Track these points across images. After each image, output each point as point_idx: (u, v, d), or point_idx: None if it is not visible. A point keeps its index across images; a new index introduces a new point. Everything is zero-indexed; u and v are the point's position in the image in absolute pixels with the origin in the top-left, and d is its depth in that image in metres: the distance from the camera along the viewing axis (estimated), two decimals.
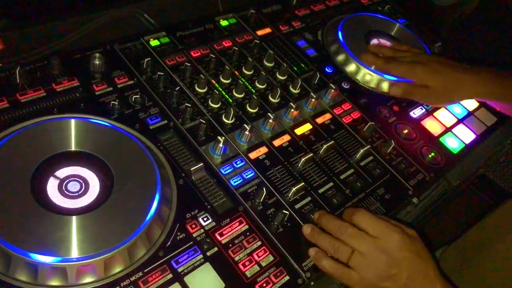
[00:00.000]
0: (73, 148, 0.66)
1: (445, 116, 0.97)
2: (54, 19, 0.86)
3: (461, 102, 1.00)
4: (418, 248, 0.65)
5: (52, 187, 0.61)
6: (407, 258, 0.63)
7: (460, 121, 0.97)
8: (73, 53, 0.79)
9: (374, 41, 1.03)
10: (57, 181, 0.62)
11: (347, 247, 0.65)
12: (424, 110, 0.96)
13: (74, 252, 0.56)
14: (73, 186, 0.62)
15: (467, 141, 0.94)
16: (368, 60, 0.96)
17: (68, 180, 0.63)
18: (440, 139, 0.92)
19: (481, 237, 0.85)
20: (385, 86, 0.96)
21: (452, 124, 0.96)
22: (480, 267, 0.79)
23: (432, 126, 0.94)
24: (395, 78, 0.95)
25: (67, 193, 0.62)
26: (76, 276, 0.56)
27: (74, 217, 0.59)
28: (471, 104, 1.01)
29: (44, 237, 0.56)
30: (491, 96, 0.94)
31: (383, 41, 1.04)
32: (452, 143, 0.92)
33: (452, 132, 0.94)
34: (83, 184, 0.63)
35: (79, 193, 0.62)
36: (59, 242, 0.56)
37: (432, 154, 0.88)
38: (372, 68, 0.96)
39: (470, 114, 1.00)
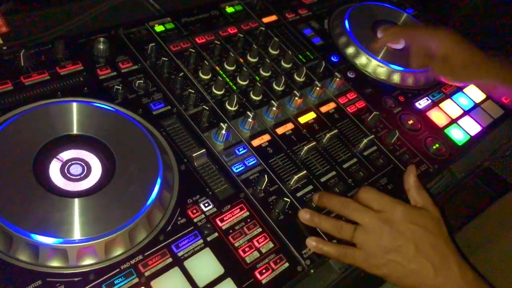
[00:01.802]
0: (75, 132, 0.66)
1: (451, 107, 0.96)
2: (59, 3, 0.86)
3: (468, 93, 0.99)
4: (426, 221, 0.64)
5: (54, 170, 0.62)
6: (411, 229, 0.62)
7: (466, 112, 0.96)
8: (78, 37, 0.79)
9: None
10: (60, 164, 0.62)
11: (350, 225, 0.64)
12: (429, 101, 0.95)
13: (76, 234, 0.56)
14: (75, 169, 0.63)
15: (473, 133, 0.93)
16: (379, 41, 0.95)
17: (70, 163, 0.63)
18: (445, 130, 0.91)
19: (485, 228, 0.85)
20: (396, 78, 0.95)
21: (458, 115, 0.95)
22: (486, 258, 0.79)
23: (437, 117, 0.93)
24: (400, 68, 0.94)
25: (69, 176, 0.62)
26: (77, 257, 0.57)
27: (76, 199, 0.59)
28: (478, 95, 1.00)
29: (46, 219, 0.57)
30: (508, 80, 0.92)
31: None
32: (457, 135, 0.91)
33: (458, 124, 0.93)
34: (85, 167, 0.63)
35: (81, 176, 0.62)
36: (60, 223, 0.57)
37: (437, 145, 0.88)
38: (386, 39, 0.95)
39: (476, 106, 0.99)
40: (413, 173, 0.70)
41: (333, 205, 0.67)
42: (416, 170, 0.72)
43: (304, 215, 0.69)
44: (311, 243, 0.66)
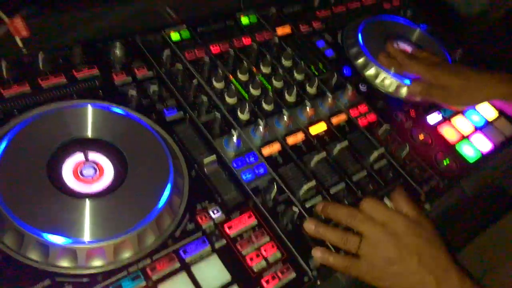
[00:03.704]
0: (89, 134, 0.67)
1: (462, 123, 0.96)
2: (78, 8, 0.88)
3: (480, 111, 0.99)
4: (428, 234, 0.64)
5: (67, 171, 0.63)
6: (415, 242, 0.63)
7: (478, 129, 0.96)
8: (95, 42, 0.81)
9: (395, 45, 1.02)
10: (73, 165, 0.63)
11: (355, 237, 0.64)
12: (441, 116, 0.95)
13: (86, 235, 0.57)
14: (88, 171, 0.64)
15: (484, 151, 0.93)
16: (385, 60, 0.96)
17: (83, 165, 0.64)
18: (456, 146, 0.91)
19: (499, 241, 0.84)
20: (404, 91, 0.95)
21: (470, 132, 0.95)
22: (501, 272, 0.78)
23: (448, 133, 0.93)
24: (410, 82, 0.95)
25: (81, 177, 0.63)
26: (86, 258, 0.57)
27: (87, 200, 0.60)
28: (490, 113, 1.00)
29: (57, 219, 0.57)
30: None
31: (403, 46, 1.03)
32: (469, 151, 0.91)
33: (469, 140, 0.93)
34: (97, 169, 0.64)
35: (93, 178, 0.63)
36: (71, 224, 0.57)
37: (447, 160, 0.87)
38: (390, 69, 0.95)
39: (488, 123, 0.98)
40: (401, 192, 0.70)
41: (338, 216, 0.68)
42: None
43: (309, 226, 0.69)
44: (317, 253, 0.66)
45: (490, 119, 0.99)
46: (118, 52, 0.79)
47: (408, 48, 1.03)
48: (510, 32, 1.39)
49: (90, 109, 0.69)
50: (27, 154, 0.62)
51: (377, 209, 0.66)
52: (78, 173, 0.63)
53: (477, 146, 0.93)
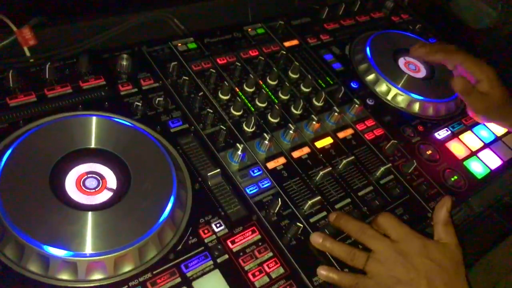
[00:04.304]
0: (93, 145, 0.67)
1: (471, 139, 0.94)
2: (86, 18, 0.88)
3: (489, 126, 0.98)
4: (443, 258, 0.62)
5: (70, 182, 0.62)
6: (425, 264, 0.60)
7: (486, 145, 0.95)
8: (102, 53, 0.81)
9: (401, 59, 1.02)
10: (76, 177, 0.63)
11: (363, 253, 0.63)
12: (449, 132, 0.94)
13: (87, 248, 0.56)
14: (91, 182, 0.63)
15: (493, 167, 0.91)
16: (420, 50, 0.94)
17: (86, 176, 0.64)
18: (465, 162, 0.90)
19: (508, 258, 0.82)
20: (417, 107, 0.94)
21: (478, 148, 0.93)
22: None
23: (456, 148, 0.92)
24: (421, 97, 0.94)
25: (84, 189, 0.62)
26: (86, 272, 0.57)
27: (89, 213, 0.59)
28: (499, 129, 0.99)
29: (59, 231, 0.57)
30: None
31: (412, 60, 1.02)
32: (477, 168, 0.90)
33: (477, 157, 0.92)
34: (100, 181, 0.64)
35: (96, 189, 0.63)
36: (72, 236, 0.57)
37: (455, 177, 0.86)
38: (431, 58, 0.94)
39: (497, 139, 0.97)
40: (447, 207, 0.68)
41: (350, 229, 0.66)
42: (451, 203, 0.69)
43: (316, 239, 0.67)
44: (322, 272, 0.65)
45: (499, 135, 0.98)
46: (124, 62, 0.79)
47: (417, 63, 1.02)
48: None
49: (94, 120, 0.69)
50: (30, 164, 0.62)
51: (393, 226, 0.64)
52: (81, 185, 0.63)
53: (485, 162, 0.91)
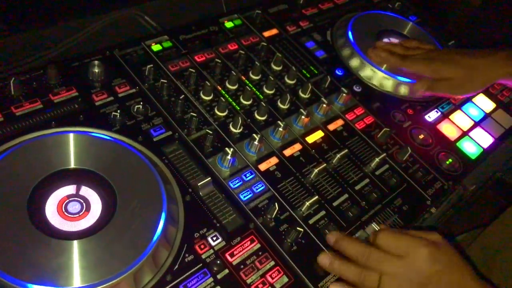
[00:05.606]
0: (72, 165, 0.62)
1: (461, 119, 0.93)
2: (49, 24, 0.82)
3: (477, 103, 0.96)
4: (449, 256, 0.60)
5: (50, 209, 0.57)
6: (439, 272, 0.58)
7: (477, 124, 0.93)
8: (71, 61, 0.75)
9: (385, 40, 0.98)
10: (56, 202, 0.58)
11: (374, 274, 0.60)
12: (439, 113, 0.92)
13: (76, 281, 0.52)
14: (73, 207, 0.58)
15: (485, 145, 0.90)
16: (379, 58, 0.92)
17: (67, 201, 0.59)
18: (457, 144, 0.88)
19: (503, 235, 0.82)
20: (403, 89, 0.92)
21: (469, 127, 0.92)
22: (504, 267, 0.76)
23: (448, 130, 0.90)
24: (407, 80, 0.91)
25: (67, 214, 0.58)
26: None
27: (75, 242, 0.55)
28: (488, 105, 0.97)
29: (43, 265, 0.52)
30: None
31: (394, 40, 0.99)
32: (470, 148, 0.88)
33: (469, 136, 0.90)
34: (84, 204, 0.59)
35: (80, 214, 0.58)
36: (58, 270, 0.52)
37: (450, 160, 0.84)
38: (383, 67, 0.91)
39: (487, 116, 0.95)
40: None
41: (352, 254, 0.63)
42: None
43: (324, 261, 0.63)
44: None
45: (488, 111, 0.96)
46: (96, 70, 0.74)
47: (397, 41, 0.99)
48: (491, 14, 1.37)
49: (71, 136, 0.63)
50: (4, 193, 0.56)
51: (393, 241, 0.61)
52: (63, 210, 0.58)
53: (478, 142, 0.90)
